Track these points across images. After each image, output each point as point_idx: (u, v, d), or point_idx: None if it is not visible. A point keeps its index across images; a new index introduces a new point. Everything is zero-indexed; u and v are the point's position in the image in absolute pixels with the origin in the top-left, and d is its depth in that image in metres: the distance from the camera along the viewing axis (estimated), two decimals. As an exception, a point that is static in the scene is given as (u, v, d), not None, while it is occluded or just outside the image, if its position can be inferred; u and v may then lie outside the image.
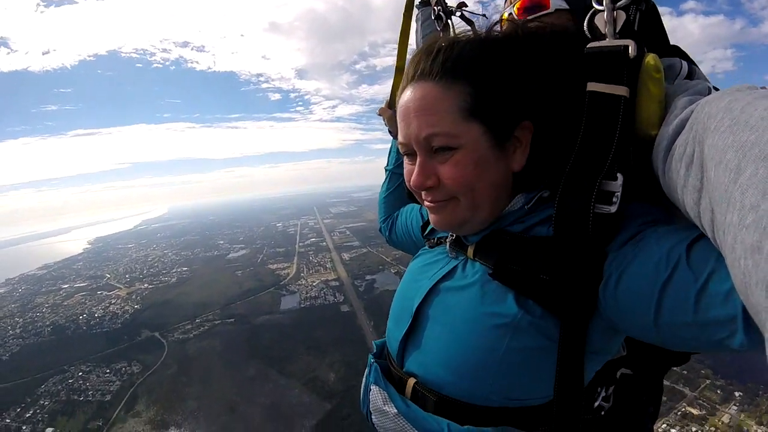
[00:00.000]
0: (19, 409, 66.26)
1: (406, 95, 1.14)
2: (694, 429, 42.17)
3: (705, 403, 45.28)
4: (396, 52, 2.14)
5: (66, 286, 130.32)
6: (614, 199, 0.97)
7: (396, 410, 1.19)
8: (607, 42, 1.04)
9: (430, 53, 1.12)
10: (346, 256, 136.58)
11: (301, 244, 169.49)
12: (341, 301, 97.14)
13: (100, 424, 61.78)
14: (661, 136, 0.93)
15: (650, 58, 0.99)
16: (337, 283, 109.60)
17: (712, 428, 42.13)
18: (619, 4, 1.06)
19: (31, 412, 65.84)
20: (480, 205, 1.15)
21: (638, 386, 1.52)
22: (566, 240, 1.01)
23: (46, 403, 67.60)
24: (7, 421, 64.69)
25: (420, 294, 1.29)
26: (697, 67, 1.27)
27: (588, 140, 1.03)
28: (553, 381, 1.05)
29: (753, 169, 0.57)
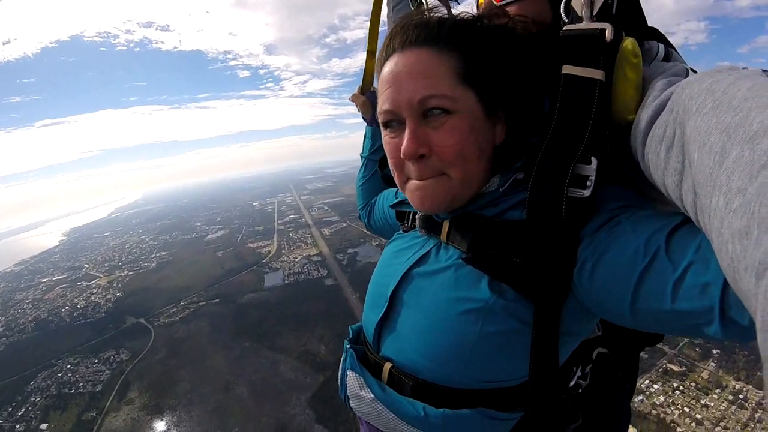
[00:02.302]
0: (10, 408, 65.79)
1: (394, 62, 1.10)
2: (675, 384, 43.87)
3: (684, 360, 47.34)
4: (367, 30, 2.14)
5: (45, 279, 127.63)
6: (588, 183, 0.97)
7: (373, 395, 1.20)
8: (584, 25, 1.03)
9: (421, 23, 1.10)
10: (326, 231, 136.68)
11: (279, 221, 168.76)
12: (325, 275, 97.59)
13: (95, 414, 61.70)
14: (640, 118, 0.92)
15: (628, 42, 0.99)
16: (320, 258, 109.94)
17: (692, 384, 43.88)
18: None
19: (23, 410, 65.41)
20: (470, 181, 1.12)
21: (614, 364, 1.55)
22: (539, 224, 1.00)
23: (38, 399, 67.18)
24: (0, 422, 64.06)
25: (394, 279, 1.29)
26: (675, 49, 1.26)
27: (562, 123, 1.03)
28: (527, 363, 1.06)
29: (738, 151, 0.56)
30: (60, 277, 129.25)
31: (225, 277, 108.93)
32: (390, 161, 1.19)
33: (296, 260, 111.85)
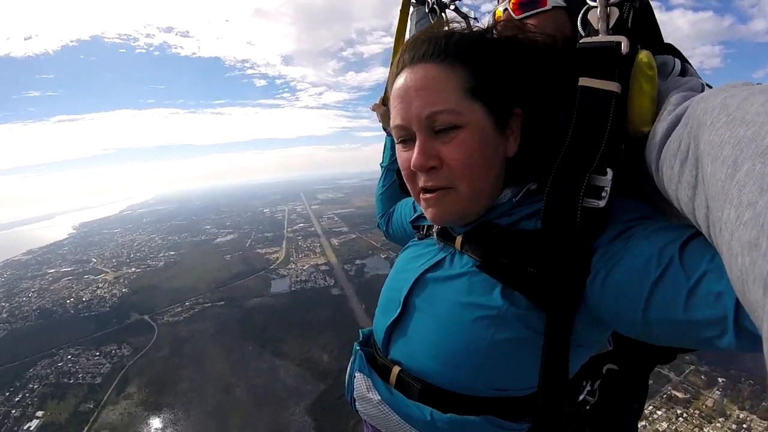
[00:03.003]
0: (8, 393, 65.63)
1: (404, 77, 1.12)
2: (679, 411, 43.34)
3: (690, 387, 46.48)
4: (391, 44, 2.16)
5: (52, 270, 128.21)
6: (603, 194, 0.99)
7: (379, 397, 1.19)
8: (600, 38, 1.06)
9: (429, 39, 1.12)
10: (335, 241, 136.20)
11: (289, 229, 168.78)
12: (332, 284, 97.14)
13: (91, 406, 61.40)
14: (655, 131, 0.92)
15: (643, 55, 1.00)
16: (327, 267, 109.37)
17: (696, 411, 43.37)
18: (612, 0, 1.08)
19: (20, 396, 65.14)
20: (480, 194, 1.14)
21: (624, 382, 1.52)
22: (554, 233, 1.02)
23: (36, 386, 66.97)
24: None
25: (408, 284, 1.29)
26: (690, 65, 1.25)
27: (578, 134, 1.04)
28: (537, 373, 1.07)
29: (750, 165, 0.56)
30: (67, 269, 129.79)
31: (232, 280, 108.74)
32: (403, 173, 1.21)
33: (304, 268, 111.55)
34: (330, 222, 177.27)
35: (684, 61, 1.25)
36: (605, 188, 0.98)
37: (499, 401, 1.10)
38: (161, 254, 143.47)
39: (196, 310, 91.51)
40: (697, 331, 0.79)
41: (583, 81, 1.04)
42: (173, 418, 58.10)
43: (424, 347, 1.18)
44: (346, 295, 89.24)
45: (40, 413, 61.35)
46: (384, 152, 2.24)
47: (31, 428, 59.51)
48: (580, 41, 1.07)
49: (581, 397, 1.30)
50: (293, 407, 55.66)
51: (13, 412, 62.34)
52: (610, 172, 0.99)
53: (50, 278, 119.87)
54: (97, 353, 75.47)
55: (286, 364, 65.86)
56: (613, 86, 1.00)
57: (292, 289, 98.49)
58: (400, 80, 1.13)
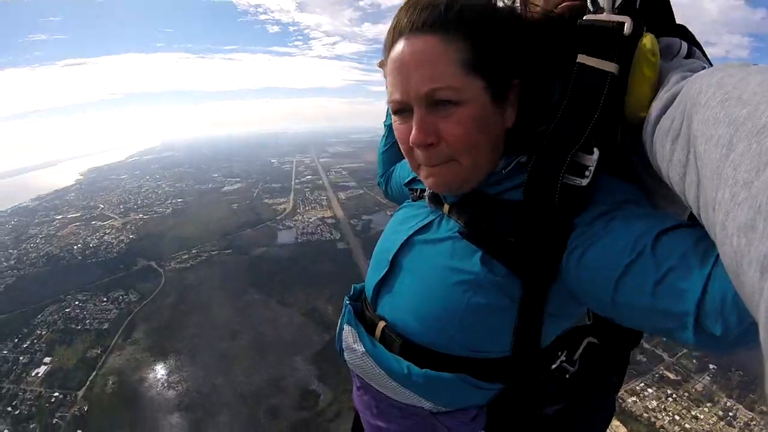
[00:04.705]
0: (16, 340, 66.55)
1: (401, 47, 1.10)
2: (669, 391, 44.50)
3: (681, 370, 47.52)
4: None
5: (59, 216, 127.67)
6: (587, 173, 1.00)
7: (364, 349, 1.29)
8: (604, 16, 1.03)
9: (429, 5, 1.08)
10: (342, 195, 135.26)
11: (297, 180, 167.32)
12: (338, 238, 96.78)
13: (99, 351, 62.30)
14: (651, 109, 0.92)
15: (647, 40, 0.98)
16: (334, 221, 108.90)
17: (686, 393, 44.47)
18: None
19: (28, 342, 66.08)
20: (480, 166, 1.16)
21: (602, 355, 1.54)
22: (534, 207, 1.05)
23: (44, 333, 67.88)
24: (5, 352, 64.92)
25: (396, 245, 1.36)
26: (700, 49, 1.22)
27: (569, 111, 1.04)
28: (511, 338, 1.13)
29: (746, 144, 0.55)
30: (74, 215, 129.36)
31: (239, 229, 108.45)
32: (401, 147, 1.22)
33: (310, 220, 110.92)
34: (338, 176, 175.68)
35: (693, 44, 1.20)
36: (590, 167, 1.00)
37: (474, 361, 1.17)
38: (168, 201, 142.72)
39: (203, 257, 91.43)
40: (659, 320, 0.83)
41: (582, 58, 1.03)
42: (179, 363, 59.05)
43: (407, 305, 1.26)
44: (351, 249, 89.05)
45: (47, 359, 62.23)
46: (388, 111, 2.02)
47: (39, 374, 60.40)
48: (583, 18, 1.05)
49: (556, 365, 1.33)
50: (297, 356, 56.46)
51: (21, 358, 63.24)
52: (596, 151, 1.00)
53: (58, 224, 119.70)
54: (105, 299, 76.15)
55: (291, 314, 66.32)
56: (610, 66, 1.00)
57: (298, 240, 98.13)
58: (397, 49, 1.10)
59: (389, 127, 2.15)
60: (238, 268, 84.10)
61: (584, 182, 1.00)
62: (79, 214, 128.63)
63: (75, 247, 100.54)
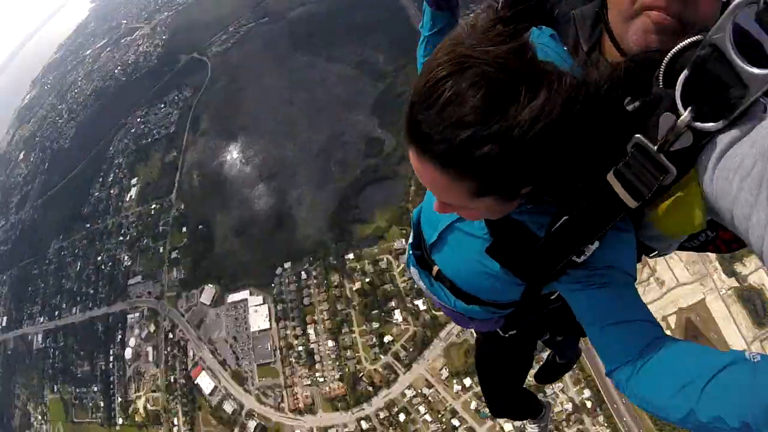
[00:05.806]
0: (101, 179, 71.55)
1: (414, 158, 1.16)
2: None
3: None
4: None
5: (89, 51, 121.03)
6: (582, 257, 1.29)
7: (425, 286, 2.09)
8: (654, 153, 1.05)
9: (426, 134, 1.04)
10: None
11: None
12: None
13: (175, 154, 66.38)
14: (717, 142, 0.91)
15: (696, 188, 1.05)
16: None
17: None
18: (694, 125, 0.95)
19: (111, 176, 71.08)
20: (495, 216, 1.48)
21: None
22: (542, 257, 1.38)
23: (121, 160, 72.29)
24: (96, 194, 70.67)
25: (442, 224, 1.76)
26: None
27: (586, 215, 1.24)
28: (520, 295, 1.70)
29: None
30: (102, 42, 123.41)
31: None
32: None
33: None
34: None
35: None
36: (586, 253, 1.27)
37: (495, 302, 1.86)
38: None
39: (241, 33, 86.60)
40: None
41: (611, 179, 1.16)
42: (249, 140, 61.73)
43: (451, 271, 1.87)
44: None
45: (134, 181, 67.30)
46: (423, 18, 2.22)
47: (132, 197, 66.37)
48: (636, 141, 1.09)
49: (550, 306, 2.06)
50: (357, 109, 56.77)
51: (112, 191, 68.71)
52: (597, 243, 1.25)
53: (90, 59, 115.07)
54: (162, 105, 77.77)
55: (343, 69, 64.83)
56: (631, 202, 1.13)
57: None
58: (411, 155, 1.16)
59: (426, 38, 2.21)
60: (278, 34, 79.88)
61: (580, 259, 1.29)
62: (106, 40, 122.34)
63: (115, 71, 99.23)
